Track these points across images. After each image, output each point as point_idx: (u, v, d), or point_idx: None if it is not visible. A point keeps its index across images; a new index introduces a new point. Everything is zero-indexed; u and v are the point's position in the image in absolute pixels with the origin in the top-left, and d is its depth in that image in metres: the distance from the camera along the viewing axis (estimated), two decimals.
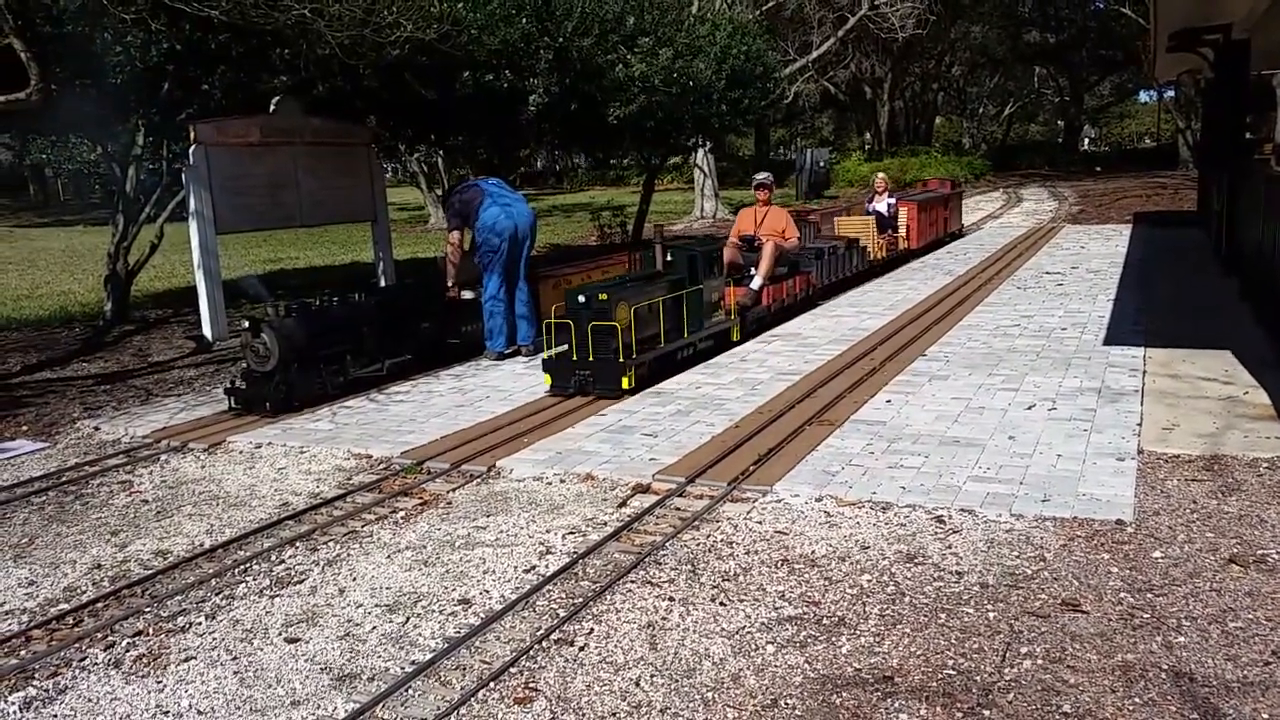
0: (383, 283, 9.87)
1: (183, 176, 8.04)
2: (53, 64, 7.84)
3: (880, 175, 15.82)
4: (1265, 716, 2.90)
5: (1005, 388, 6.82)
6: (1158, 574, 3.87)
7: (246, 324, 7.11)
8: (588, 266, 10.75)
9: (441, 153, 22.33)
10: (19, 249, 24.47)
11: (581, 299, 7.15)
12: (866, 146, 45.32)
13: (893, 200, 14.77)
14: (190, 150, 7.74)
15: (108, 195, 15.29)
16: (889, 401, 6.58)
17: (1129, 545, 4.15)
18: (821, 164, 36.08)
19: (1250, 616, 3.50)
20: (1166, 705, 2.98)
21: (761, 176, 10.42)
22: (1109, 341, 8.28)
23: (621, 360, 7.03)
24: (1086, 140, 58.69)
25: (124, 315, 11.68)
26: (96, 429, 6.92)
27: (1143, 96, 58.59)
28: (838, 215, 15.12)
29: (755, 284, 9.49)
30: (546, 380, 7.22)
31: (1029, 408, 6.27)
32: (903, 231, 14.86)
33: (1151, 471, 5.03)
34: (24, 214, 39.07)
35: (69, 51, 8.23)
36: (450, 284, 8.62)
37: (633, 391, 7.12)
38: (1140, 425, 5.78)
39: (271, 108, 8.48)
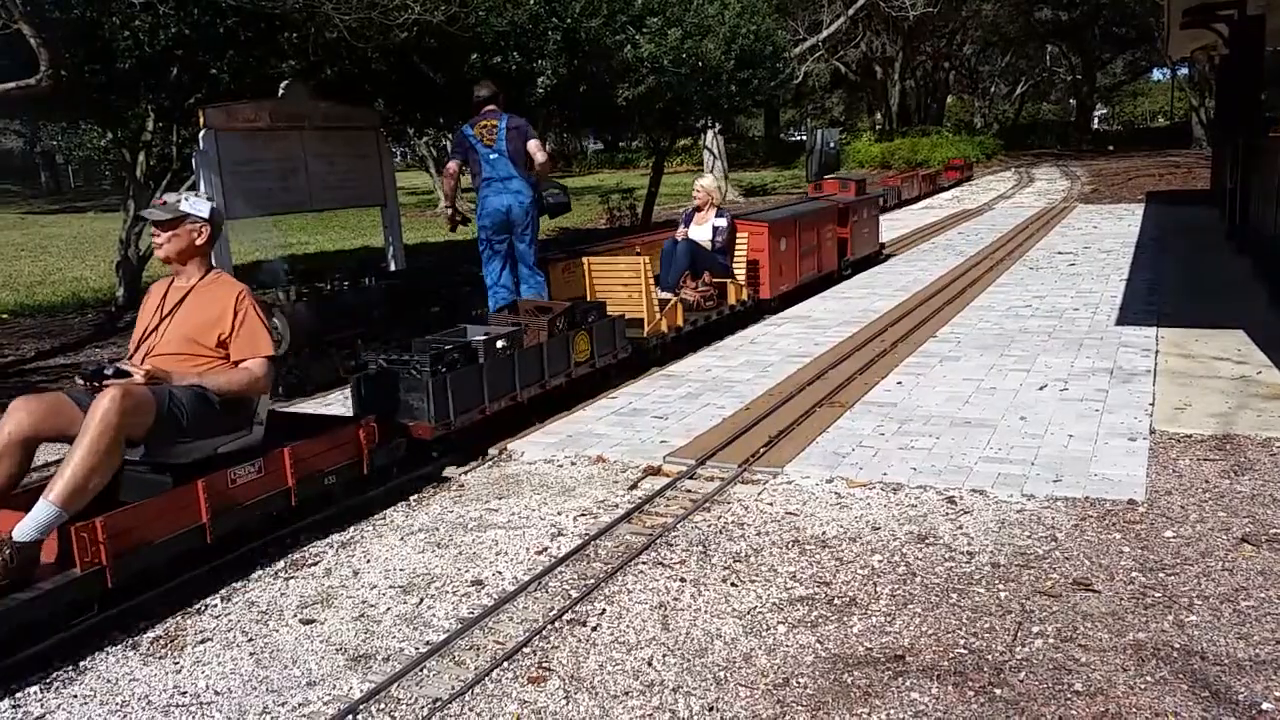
0: (393, 267, 9.89)
1: (193, 162, 8.05)
2: (62, 49, 7.85)
3: (702, 183, 9.21)
4: (1277, 694, 2.91)
5: (1017, 368, 6.81)
6: (1169, 553, 3.87)
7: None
8: (600, 248, 10.73)
9: (450, 136, 22.30)
10: (31, 236, 24.58)
11: None
12: (877, 126, 45.09)
13: (723, 221, 8.86)
14: (200, 135, 7.74)
15: (118, 181, 15.32)
16: (900, 383, 6.57)
17: (1141, 525, 4.15)
18: (832, 145, 35.89)
19: (1262, 595, 3.50)
20: (1178, 684, 2.99)
21: (169, 200, 4.37)
22: (1121, 321, 8.26)
23: None
24: (1096, 119, 58.26)
25: (136, 301, 11.72)
26: None
27: (1156, 75, 58.15)
28: (590, 254, 8.59)
29: (24, 529, 3.45)
30: None
31: (1041, 388, 6.26)
32: (741, 274, 9.11)
33: (1164, 451, 5.03)
34: (35, 201, 39.23)
35: (78, 37, 8.23)
36: (446, 204, 7.99)
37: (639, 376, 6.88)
38: (1153, 405, 5.77)
39: (280, 92, 8.47)
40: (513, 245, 7.43)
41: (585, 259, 7.83)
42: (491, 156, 7.23)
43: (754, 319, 9.23)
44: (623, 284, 7.58)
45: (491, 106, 7.32)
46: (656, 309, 7.53)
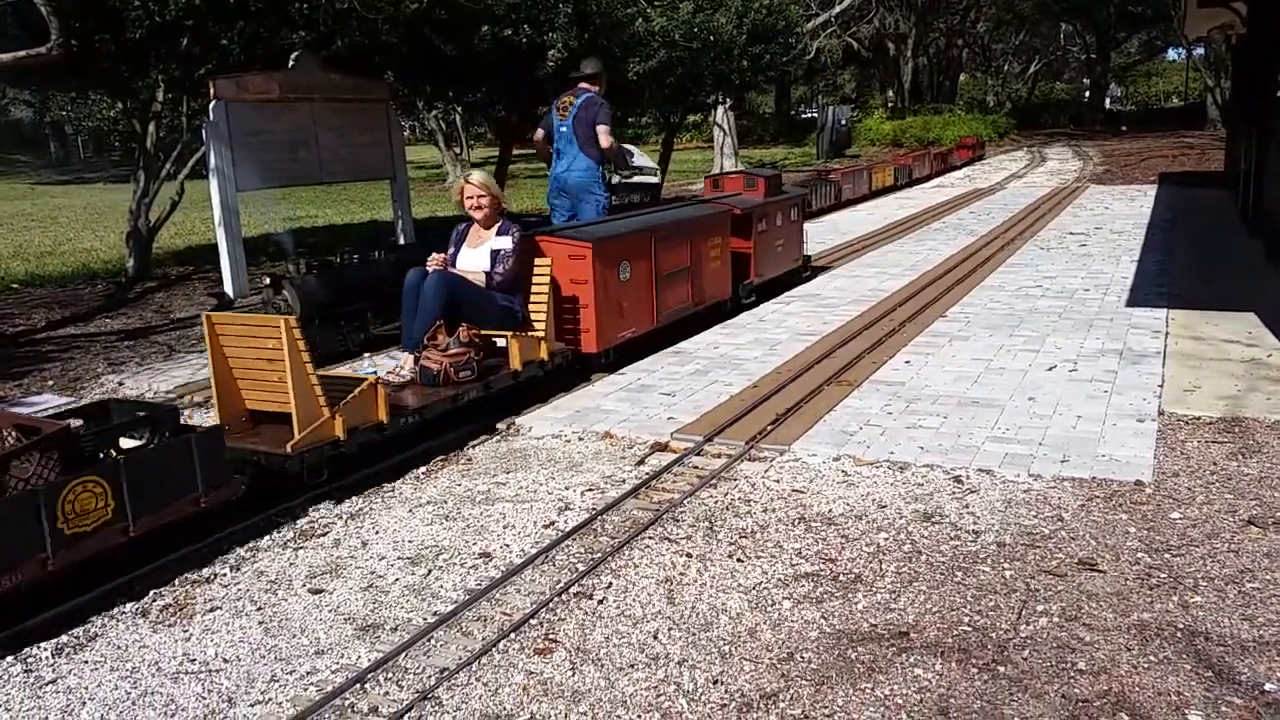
0: (402, 240, 9.89)
1: (203, 133, 8.04)
2: (72, 18, 7.83)
3: (475, 179, 6.02)
4: (1279, 675, 2.92)
5: (1026, 349, 6.79)
6: (1175, 534, 3.88)
7: (268, 281, 7.15)
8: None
9: (460, 109, 22.23)
10: (41, 206, 24.60)
11: None
12: (889, 104, 44.77)
13: (507, 241, 5.92)
14: (210, 106, 7.73)
15: (128, 152, 15.31)
16: (908, 362, 6.57)
17: (1147, 506, 4.15)
18: (843, 122, 35.73)
19: (1267, 577, 3.50)
20: (1182, 664, 3.00)
21: None
22: (1132, 303, 8.22)
23: None
24: (1109, 99, 57.78)
25: (146, 272, 11.76)
26: (120, 385, 7.00)
27: (1171, 54, 57.59)
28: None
29: None
30: None
31: (1049, 369, 6.25)
32: (542, 319, 6.03)
33: (1172, 433, 5.02)
34: (45, 171, 39.24)
35: (88, 6, 8.20)
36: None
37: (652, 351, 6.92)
38: (1161, 387, 5.75)
39: (290, 63, 8.43)
40: (576, 214, 8.08)
41: (205, 316, 4.70)
42: (562, 129, 8.03)
43: (573, 383, 6.39)
44: (265, 359, 4.46)
45: (584, 85, 8.06)
46: (320, 402, 4.46)
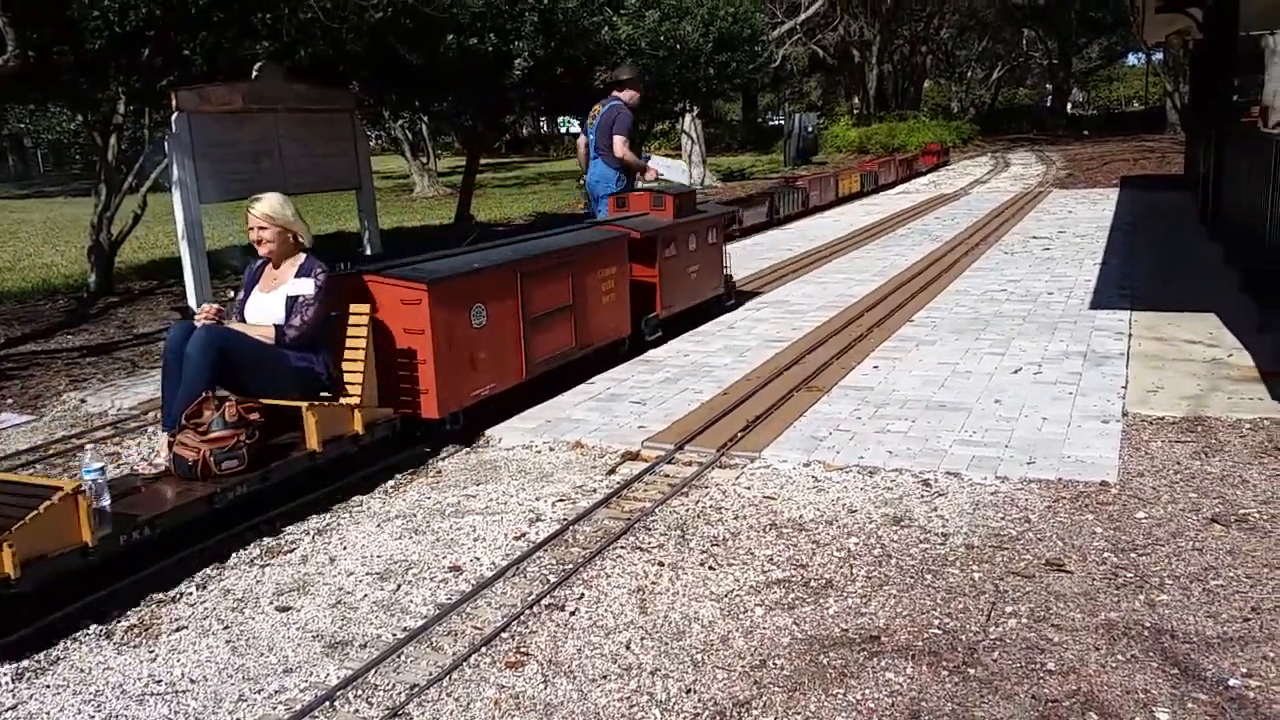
0: (368, 251, 9.82)
1: (165, 145, 7.94)
2: (30, 29, 7.73)
3: (263, 209, 4.59)
4: (1243, 670, 2.96)
5: (992, 352, 6.86)
6: (1141, 534, 3.92)
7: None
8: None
9: (426, 119, 22.15)
10: None
11: None
12: (855, 111, 45.13)
13: (308, 285, 4.60)
14: (173, 118, 7.64)
15: (89, 165, 15.12)
16: (876, 367, 6.61)
17: (1113, 506, 4.20)
18: (810, 129, 35.96)
19: (1231, 574, 3.55)
20: (1148, 662, 3.03)
21: None
22: (1095, 305, 8.33)
23: None
24: (1071, 104, 58.62)
25: (108, 287, 11.59)
26: (83, 401, 6.89)
27: (1131, 59, 58.55)
28: None
29: None
30: None
31: (1015, 372, 6.31)
32: (358, 378, 4.75)
33: (1136, 433, 5.08)
34: (3, 185, 38.64)
35: (45, 16, 8.10)
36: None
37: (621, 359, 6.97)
38: (1125, 388, 5.83)
39: (254, 74, 8.36)
40: None
41: None
42: (590, 135, 8.42)
43: (421, 455, 5.27)
44: None
45: (617, 91, 8.35)
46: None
